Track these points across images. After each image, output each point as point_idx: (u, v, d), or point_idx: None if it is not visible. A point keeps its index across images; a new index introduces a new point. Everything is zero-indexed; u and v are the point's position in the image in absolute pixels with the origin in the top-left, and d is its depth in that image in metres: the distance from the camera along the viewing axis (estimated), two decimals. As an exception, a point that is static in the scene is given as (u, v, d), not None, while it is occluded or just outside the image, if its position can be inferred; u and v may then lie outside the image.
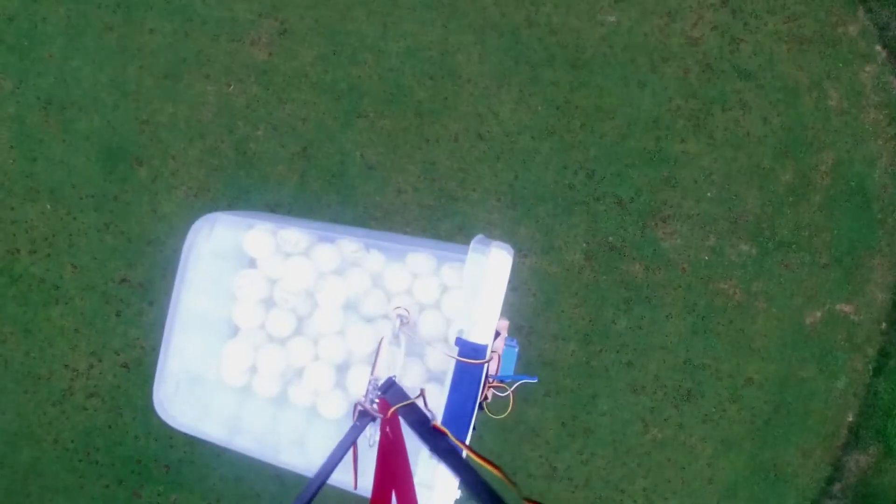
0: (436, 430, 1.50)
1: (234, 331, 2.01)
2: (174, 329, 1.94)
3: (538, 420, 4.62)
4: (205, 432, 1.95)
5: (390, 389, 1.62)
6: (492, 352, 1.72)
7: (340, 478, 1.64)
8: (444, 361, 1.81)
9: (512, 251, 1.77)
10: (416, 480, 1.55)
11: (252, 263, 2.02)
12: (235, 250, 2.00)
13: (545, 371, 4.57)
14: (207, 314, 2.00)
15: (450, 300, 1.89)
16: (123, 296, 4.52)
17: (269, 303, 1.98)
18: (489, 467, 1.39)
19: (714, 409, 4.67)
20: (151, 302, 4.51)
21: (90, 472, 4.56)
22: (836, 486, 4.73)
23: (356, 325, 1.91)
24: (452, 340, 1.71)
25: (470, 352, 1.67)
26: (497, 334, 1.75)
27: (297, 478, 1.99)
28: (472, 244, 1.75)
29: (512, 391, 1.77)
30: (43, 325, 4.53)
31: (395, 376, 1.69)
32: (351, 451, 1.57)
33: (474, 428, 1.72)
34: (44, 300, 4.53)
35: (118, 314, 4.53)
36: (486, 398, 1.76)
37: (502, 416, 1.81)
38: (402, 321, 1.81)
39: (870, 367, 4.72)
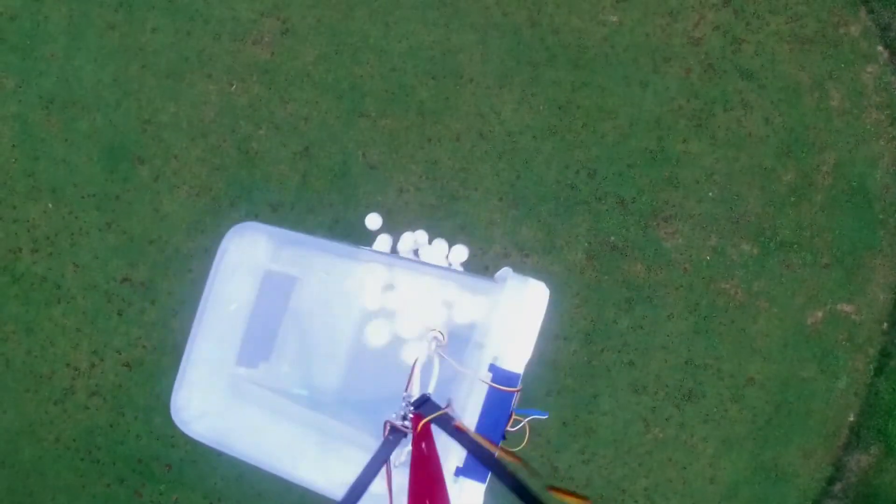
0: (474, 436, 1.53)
1: (262, 341, 2.02)
2: (198, 337, 1.94)
3: (539, 420, 4.62)
4: (220, 442, 1.95)
5: (424, 405, 1.63)
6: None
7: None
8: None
9: (547, 290, 1.79)
10: None
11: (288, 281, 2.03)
12: (266, 261, 2.01)
13: (546, 371, 4.58)
14: (235, 324, 2.00)
15: (484, 328, 1.90)
16: (125, 295, 4.52)
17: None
18: (511, 458, 1.42)
19: (715, 409, 4.67)
20: (153, 301, 4.51)
21: (92, 472, 4.57)
22: (838, 486, 4.74)
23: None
24: (484, 368, 1.72)
25: (503, 379, 1.68)
26: None
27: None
28: (510, 276, 1.79)
29: (527, 422, 1.79)
30: (44, 324, 4.54)
31: (429, 393, 1.71)
32: (384, 470, 1.58)
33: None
34: (45, 299, 4.53)
35: (120, 313, 4.53)
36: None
37: (518, 447, 1.83)
38: (437, 343, 1.83)
39: (871, 366, 4.72)
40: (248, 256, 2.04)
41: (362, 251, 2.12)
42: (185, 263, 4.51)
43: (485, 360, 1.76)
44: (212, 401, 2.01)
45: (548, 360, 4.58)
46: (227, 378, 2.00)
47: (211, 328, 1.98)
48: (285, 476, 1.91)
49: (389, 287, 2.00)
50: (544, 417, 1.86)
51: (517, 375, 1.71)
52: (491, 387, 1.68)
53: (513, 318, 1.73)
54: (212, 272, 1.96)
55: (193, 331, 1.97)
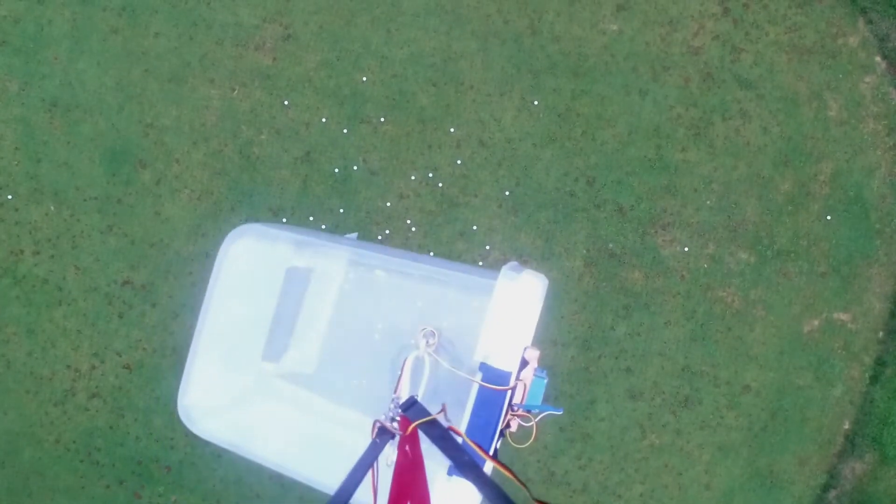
0: (458, 444, 1.52)
1: (266, 336, 2.02)
2: (203, 337, 1.94)
3: (537, 424, 4.64)
4: (229, 441, 1.96)
5: (412, 408, 1.63)
6: (519, 381, 1.72)
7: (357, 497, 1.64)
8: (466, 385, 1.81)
9: (545, 280, 1.75)
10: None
11: (304, 276, 2.04)
12: (287, 258, 2.02)
13: (544, 376, 4.60)
14: (239, 322, 2.00)
15: (478, 325, 1.88)
16: (126, 297, 4.55)
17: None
18: (502, 470, 1.42)
19: (712, 416, 4.70)
20: (154, 304, 4.54)
21: (91, 473, 4.59)
22: (832, 493, 4.76)
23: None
24: (477, 366, 1.71)
25: (493, 378, 1.67)
26: (525, 363, 1.74)
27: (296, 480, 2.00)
28: (503, 270, 1.74)
29: (536, 422, 1.77)
30: (46, 326, 4.56)
31: (416, 395, 1.71)
32: (371, 471, 1.58)
33: (496, 454, 1.71)
34: (47, 301, 4.55)
35: (120, 316, 4.56)
36: (507, 425, 1.76)
37: (524, 445, 1.81)
38: (427, 342, 1.82)
39: (866, 375, 4.75)
40: (262, 256, 2.04)
41: (361, 244, 2.12)
42: (186, 267, 4.53)
43: (476, 359, 1.73)
44: (224, 399, 2.01)
45: (545, 365, 4.60)
46: (252, 374, 2.00)
47: (218, 328, 1.98)
48: (298, 477, 1.90)
49: (378, 279, 1.99)
50: (559, 413, 1.83)
51: (508, 374, 1.68)
52: (481, 386, 1.66)
53: (503, 315, 1.69)
54: (214, 273, 1.96)
55: (198, 331, 1.97)
